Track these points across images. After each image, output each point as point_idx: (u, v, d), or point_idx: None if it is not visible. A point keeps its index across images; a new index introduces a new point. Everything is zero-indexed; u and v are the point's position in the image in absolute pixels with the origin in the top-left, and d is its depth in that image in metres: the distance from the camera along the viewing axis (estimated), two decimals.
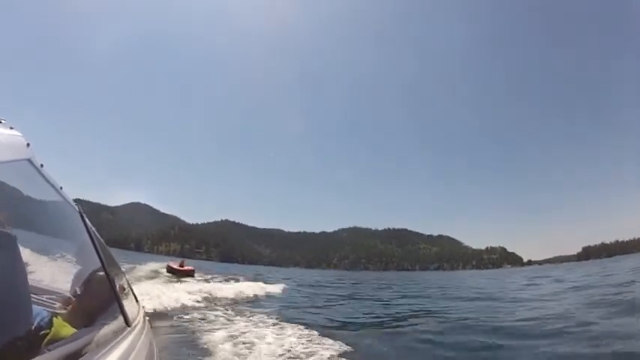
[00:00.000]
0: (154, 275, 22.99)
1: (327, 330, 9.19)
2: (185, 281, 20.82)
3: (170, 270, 25.29)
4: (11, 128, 1.16)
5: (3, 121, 1.15)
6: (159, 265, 29.99)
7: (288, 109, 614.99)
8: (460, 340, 8.50)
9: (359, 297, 21.23)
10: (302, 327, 9.31)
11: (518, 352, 7.18)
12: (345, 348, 7.27)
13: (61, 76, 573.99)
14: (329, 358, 6.64)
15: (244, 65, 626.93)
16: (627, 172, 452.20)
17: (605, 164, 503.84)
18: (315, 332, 8.70)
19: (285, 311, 12.79)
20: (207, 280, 22.84)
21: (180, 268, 25.70)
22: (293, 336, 8.17)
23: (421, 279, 52.82)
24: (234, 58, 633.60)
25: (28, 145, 1.23)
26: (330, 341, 7.75)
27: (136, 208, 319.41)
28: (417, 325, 10.64)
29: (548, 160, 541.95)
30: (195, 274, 26.07)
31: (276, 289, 21.59)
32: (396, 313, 13.97)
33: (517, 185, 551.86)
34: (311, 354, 6.79)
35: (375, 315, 13.47)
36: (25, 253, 1.05)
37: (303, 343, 7.53)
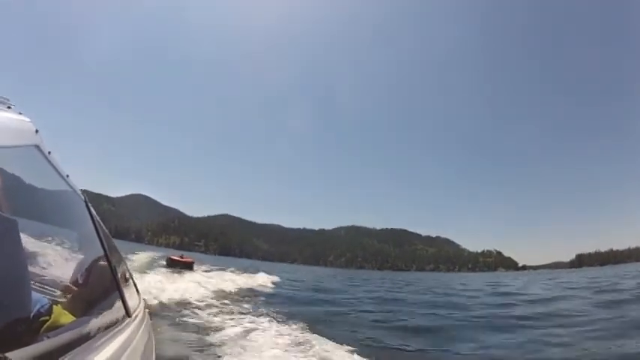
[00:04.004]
0: (149, 265, 23.29)
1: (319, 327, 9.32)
2: (184, 273, 21.11)
3: (170, 262, 25.71)
4: (20, 114, 1.15)
5: (12, 106, 1.15)
6: (152, 255, 30.50)
7: (290, 106, 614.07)
8: None
9: None
10: (292, 320, 9.54)
11: None
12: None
13: (67, 69, 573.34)
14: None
15: (248, 61, 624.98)
16: (626, 181, 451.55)
17: (604, 173, 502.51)
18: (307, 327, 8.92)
19: (277, 304, 13.09)
20: (205, 273, 23.16)
21: (181, 260, 26.38)
22: (281, 328, 8.38)
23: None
24: (237, 55, 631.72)
25: (36, 131, 1.22)
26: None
27: (137, 199, 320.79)
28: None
29: (548, 166, 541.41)
30: (194, 267, 26.63)
31: (267, 281, 23.76)
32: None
33: (517, 190, 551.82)
34: (304, 348, 6.86)
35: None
36: (29, 240, 1.05)
37: (293, 337, 7.67)
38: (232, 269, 29.04)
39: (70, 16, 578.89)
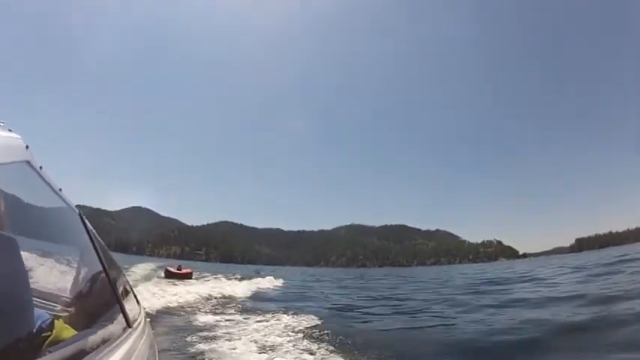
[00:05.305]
0: (148, 277, 23.32)
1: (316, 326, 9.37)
2: (185, 283, 21.14)
3: (168, 274, 25.53)
4: (10, 131, 1.16)
5: (1, 124, 1.15)
6: (151, 267, 30.63)
7: (289, 105, 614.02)
8: None
9: None
10: (294, 320, 9.65)
11: None
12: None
13: (60, 79, 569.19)
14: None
15: (242, 67, 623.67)
16: (623, 166, 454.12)
17: (601, 157, 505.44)
18: (305, 325, 9.05)
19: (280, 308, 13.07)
20: (205, 281, 23.19)
21: (178, 271, 26.12)
22: (286, 330, 8.38)
23: None
24: (235, 57, 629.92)
25: (27, 147, 1.22)
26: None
27: (136, 212, 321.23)
28: None
29: (544, 152, 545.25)
30: (193, 276, 26.72)
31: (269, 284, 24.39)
32: None
33: (515, 178, 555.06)
34: (306, 349, 6.87)
35: None
36: (26, 256, 1.05)
37: (296, 339, 7.68)
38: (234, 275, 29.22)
39: (70, 17, 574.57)
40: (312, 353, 6.68)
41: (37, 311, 1.11)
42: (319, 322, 9.50)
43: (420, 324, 10.02)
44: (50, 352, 1.00)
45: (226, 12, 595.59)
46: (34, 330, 1.06)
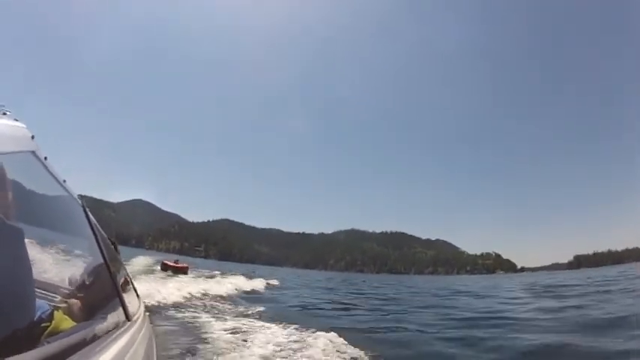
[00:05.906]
0: (145, 270, 23.56)
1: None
2: (180, 277, 21.27)
3: (165, 267, 25.78)
4: (16, 120, 1.16)
5: (8, 113, 1.16)
6: (149, 260, 31.05)
7: (289, 109, 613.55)
8: None
9: None
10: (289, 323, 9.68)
11: None
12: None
13: (60, 79, 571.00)
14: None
15: (242, 67, 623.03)
16: (625, 181, 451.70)
17: (601, 158, 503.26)
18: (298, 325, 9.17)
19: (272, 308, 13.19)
20: (202, 278, 23.34)
21: (175, 265, 26.39)
22: (284, 330, 8.48)
23: None
24: (235, 57, 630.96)
25: (32, 137, 1.23)
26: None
27: (137, 205, 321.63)
28: None
29: (545, 153, 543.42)
30: (190, 272, 26.98)
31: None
32: None
33: (516, 192, 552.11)
34: (302, 348, 6.93)
35: None
36: (28, 246, 1.06)
37: (293, 339, 7.75)
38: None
39: (70, 17, 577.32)
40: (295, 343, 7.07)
41: (37, 302, 1.11)
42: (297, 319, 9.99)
43: None
44: (49, 342, 1.00)
45: (226, 12, 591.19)
46: (34, 320, 1.06)
